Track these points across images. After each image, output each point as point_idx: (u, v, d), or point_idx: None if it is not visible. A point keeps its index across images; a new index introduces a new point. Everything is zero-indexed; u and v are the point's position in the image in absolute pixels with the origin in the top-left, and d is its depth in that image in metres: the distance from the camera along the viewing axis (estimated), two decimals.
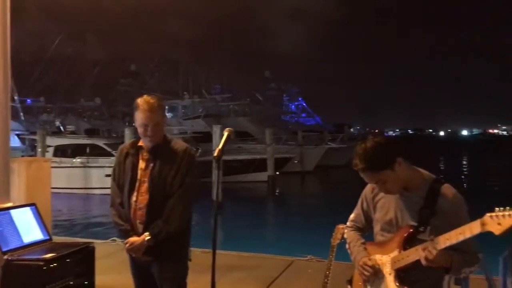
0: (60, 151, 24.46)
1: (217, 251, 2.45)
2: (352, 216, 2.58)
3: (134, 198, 2.92)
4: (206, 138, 27.39)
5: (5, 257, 3.39)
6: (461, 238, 1.95)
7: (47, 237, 3.88)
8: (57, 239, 5.39)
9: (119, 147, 3.17)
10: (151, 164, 2.94)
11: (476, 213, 1.97)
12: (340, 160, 31.96)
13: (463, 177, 33.00)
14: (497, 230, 1.80)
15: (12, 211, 3.76)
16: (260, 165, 26.63)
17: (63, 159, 23.18)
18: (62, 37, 46.68)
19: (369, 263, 2.29)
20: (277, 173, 26.32)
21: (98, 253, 3.93)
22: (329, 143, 34.95)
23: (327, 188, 29.37)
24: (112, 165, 3.14)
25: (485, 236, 1.89)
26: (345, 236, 2.60)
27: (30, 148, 27.77)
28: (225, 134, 2.58)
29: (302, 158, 31.99)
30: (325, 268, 3.00)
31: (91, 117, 43.21)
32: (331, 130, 42.43)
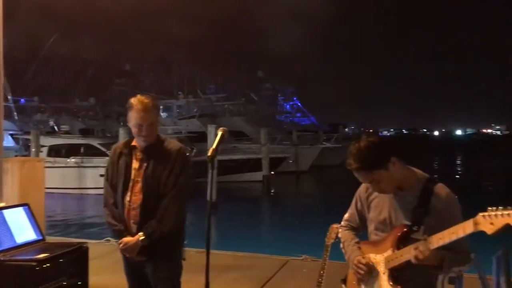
0: (54, 151, 24.36)
1: (212, 251, 2.44)
2: (346, 215, 2.58)
3: (127, 198, 2.91)
4: (201, 138, 27.37)
5: None
6: (454, 237, 1.96)
7: (40, 237, 3.86)
8: (51, 239, 5.37)
9: (112, 147, 3.15)
10: (145, 164, 2.93)
11: (469, 213, 1.97)
12: (335, 160, 32.03)
13: (457, 176, 33.15)
14: (489, 229, 1.81)
15: (5, 211, 3.74)
16: (255, 165, 26.64)
17: (57, 159, 23.07)
18: (56, 36, 46.50)
19: (363, 261, 2.29)
20: (272, 173, 26.34)
21: (92, 253, 3.91)
22: (324, 142, 35.01)
23: (322, 187, 29.42)
24: (106, 165, 3.13)
25: (479, 236, 1.89)
26: (339, 235, 2.61)
27: (24, 148, 27.63)
28: (219, 133, 2.57)
29: (297, 158, 32.03)
30: (320, 268, 3.01)
31: (86, 117, 43.04)
32: (326, 130, 42.50)
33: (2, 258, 3.36)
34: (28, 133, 27.01)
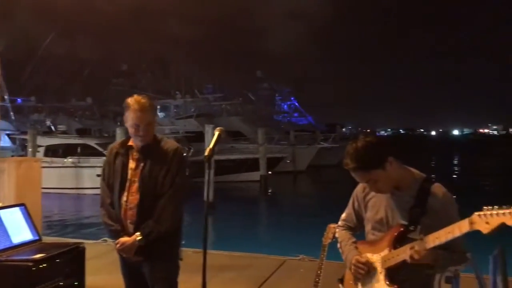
0: (51, 151, 24.30)
1: (209, 251, 2.44)
2: (343, 215, 2.58)
3: (124, 198, 2.91)
4: (198, 137, 27.36)
5: None
6: (450, 237, 1.96)
7: (37, 238, 3.85)
8: (48, 239, 5.35)
9: (108, 147, 3.15)
10: (142, 164, 2.92)
11: (466, 212, 1.98)
12: (332, 159, 32.04)
13: (454, 176, 33.22)
14: (485, 229, 1.82)
15: (1, 211, 3.72)
16: (252, 164, 26.63)
17: (54, 159, 23.00)
18: (53, 36, 46.40)
19: (362, 260, 2.29)
20: (270, 172, 26.34)
21: (89, 253, 3.90)
22: (321, 142, 35.07)
23: (319, 187, 29.44)
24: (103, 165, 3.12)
25: (475, 235, 1.90)
26: (337, 235, 2.61)
27: (20, 148, 27.52)
28: (216, 133, 2.57)
29: (295, 157, 32.04)
30: (317, 268, 3.00)
31: (82, 116, 42.99)
32: (323, 130, 42.56)
33: None
34: (25, 133, 26.94)
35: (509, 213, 1.77)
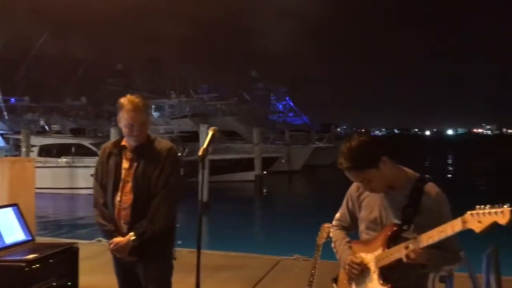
0: (45, 151, 24.20)
1: (203, 251, 2.44)
2: (337, 215, 2.58)
3: (118, 198, 2.89)
4: (193, 137, 27.28)
5: None
6: (443, 236, 1.97)
7: (30, 238, 3.83)
8: (42, 239, 5.33)
9: (101, 146, 3.13)
10: (135, 164, 2.91)
11: (460, 212, 1.98)
12: (327, 159, 32.09)
13: (448, 176, 33.37)
14: (477, 227, 1.83)
15: None
16: (247, 164, 26.64)
17: (48, 159, 22.90)
18: (47, 36, 46.20)
19: (356, 260, 2.29)
20: (265, 172, 26.35)
21: (83, 253, 3.89)
22: (316, 142, 35.12)
23: (314, 187, 29.49)
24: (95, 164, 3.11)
25: (469, 234, 1.91)
26: (331, 235, 2.61)
27: (14, 148, 27.40)
28: (210, 133, 2.56)
29: (290, 157, 32.08)
30: (311, 267, 3.00)
31: (77, 116, 42.82)
32: (318, 130, 42.61)
33: None
34: (18, 132, 26.83)
35: (501, 212, 1.78)
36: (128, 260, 2.90)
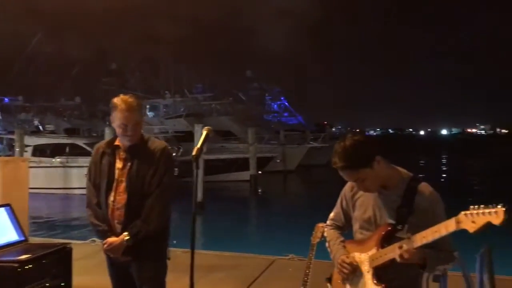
0: (39, 151, 24.11)
1: (198, 251, 2.44)
2: (331, 214, 2.58)
3: (111, 198, 2.88)
4: (188, 137, 27.22)
5: None
6: (437, 236, 1.97)
7: (23, 238, 3.80)
8: (35, 240, 5.30)
9: (94, 146, 3.12)
10: (129, 164, 2.90)
11: (454, 212, 1.99)
12: (321, 159, 32.14)
13: (443, 175, 33.51)
14: (471, 228, 1.83)
15: None
16: (242, 164, 26.64)
17: (42, 159, 22.83)
18: (41, 35, 45.97)
19: (347, 260, 2.30)
20: (260, 172, 26.37)
21: (77, 254, 3.87)
22: (311, 142, 35.16)
23: (309, 187, 29.54)
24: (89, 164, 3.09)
25: (462, 234, 1.91)
26: (325, 234, 2.61)
27: (7, 148, 27.27)
28: (204, 133, 2.55)
29: (284, 157, 32.11)
30: (305, 267, 3.00)
31: (71, 116, 42.62)
32: (313, 130, 42.68)
33: None
34: (12, 132, 26.71)
35: (495, 212, 1.78)
36: (122, 260, 2.89)
